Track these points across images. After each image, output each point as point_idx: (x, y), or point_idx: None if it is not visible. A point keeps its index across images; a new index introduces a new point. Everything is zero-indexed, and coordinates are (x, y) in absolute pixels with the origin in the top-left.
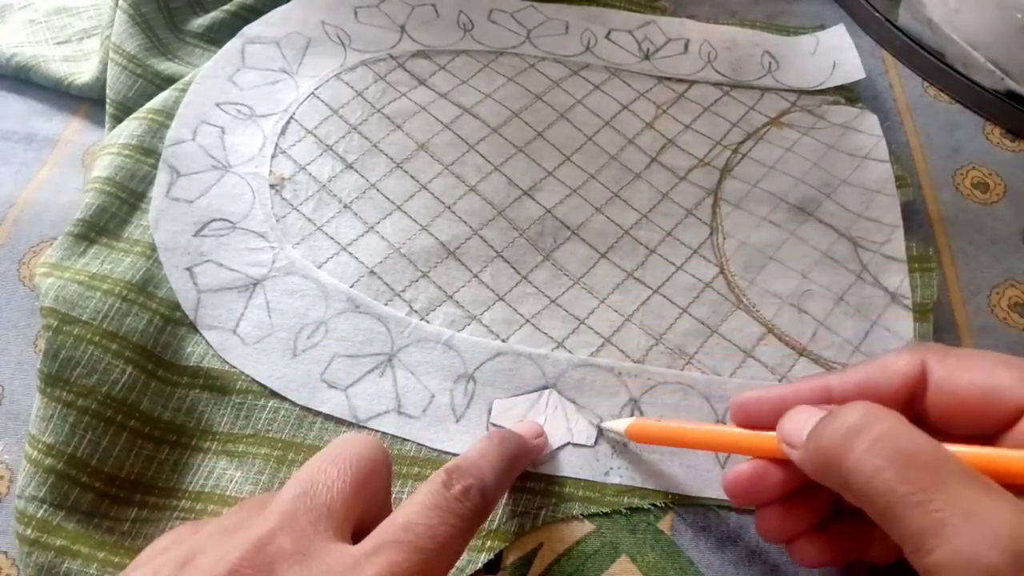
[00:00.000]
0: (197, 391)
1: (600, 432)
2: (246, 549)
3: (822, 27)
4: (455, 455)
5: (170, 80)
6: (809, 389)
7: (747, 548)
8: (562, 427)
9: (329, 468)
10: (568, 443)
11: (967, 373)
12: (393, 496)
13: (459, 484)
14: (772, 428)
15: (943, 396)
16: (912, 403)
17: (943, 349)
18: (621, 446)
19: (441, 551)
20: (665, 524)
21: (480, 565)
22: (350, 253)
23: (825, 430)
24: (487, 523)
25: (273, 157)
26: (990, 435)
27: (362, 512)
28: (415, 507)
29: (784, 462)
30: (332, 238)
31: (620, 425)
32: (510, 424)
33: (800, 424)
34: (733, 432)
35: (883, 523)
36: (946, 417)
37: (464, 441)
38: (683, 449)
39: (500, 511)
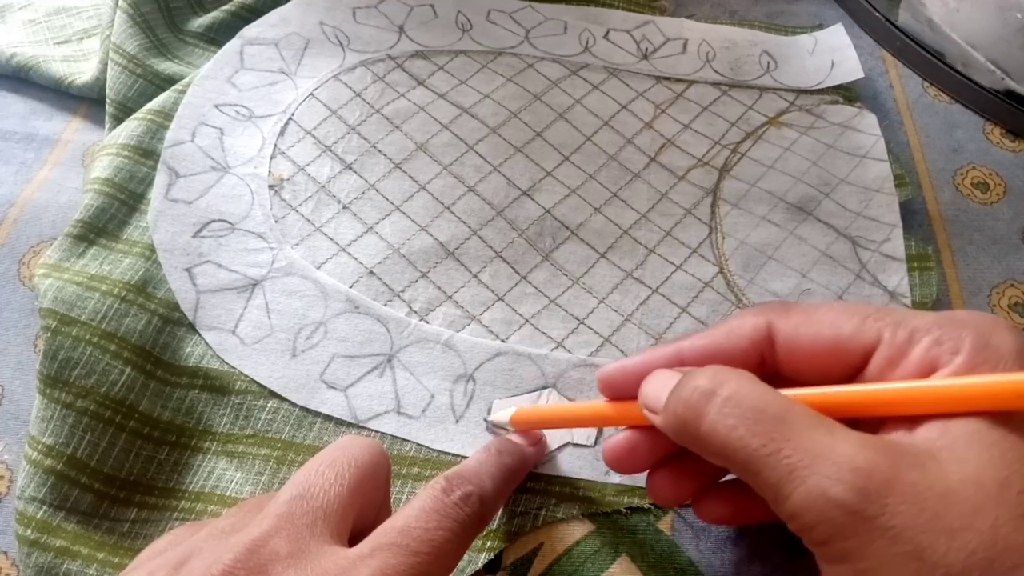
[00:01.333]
0: (196, 391)
1: (600, 435)
2: (240, 551)
3: (820, 27)
4: (455, 455)
5: (170, 80)
6: (663, 356)
7: (747, 548)
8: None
9: (326, 471)
10: (568, 443)
11: (811, 327)
12: (392, 497)
13: (459, 490)
14: (636, 397)
15: (791, 353)
16: (763, 363)
17: (785, 306)
18: None
19: (437, 555)
20: (665, 524)
21: (480, 565)
22: (349, 254)
23: (680, 395)
24: None
25: (272, 158)
26: (845, 381)
27: (359, 515)
28: (413, 511)
29: (654, 427)
30: (331, 239)
31: (504, 416)
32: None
33: (657, 389)
34: (602, 405)
35: (746, 479)
36: (798, 371)
37: (464, 441)
38: None
39: (500, 511)
